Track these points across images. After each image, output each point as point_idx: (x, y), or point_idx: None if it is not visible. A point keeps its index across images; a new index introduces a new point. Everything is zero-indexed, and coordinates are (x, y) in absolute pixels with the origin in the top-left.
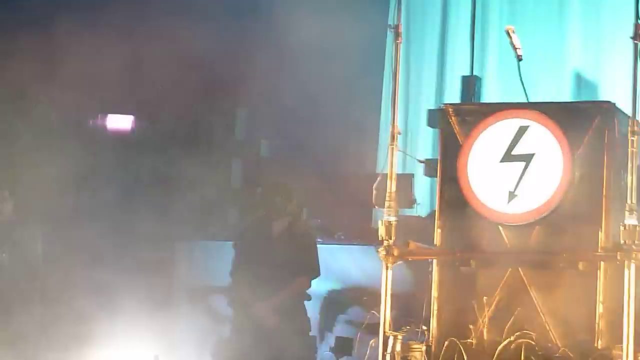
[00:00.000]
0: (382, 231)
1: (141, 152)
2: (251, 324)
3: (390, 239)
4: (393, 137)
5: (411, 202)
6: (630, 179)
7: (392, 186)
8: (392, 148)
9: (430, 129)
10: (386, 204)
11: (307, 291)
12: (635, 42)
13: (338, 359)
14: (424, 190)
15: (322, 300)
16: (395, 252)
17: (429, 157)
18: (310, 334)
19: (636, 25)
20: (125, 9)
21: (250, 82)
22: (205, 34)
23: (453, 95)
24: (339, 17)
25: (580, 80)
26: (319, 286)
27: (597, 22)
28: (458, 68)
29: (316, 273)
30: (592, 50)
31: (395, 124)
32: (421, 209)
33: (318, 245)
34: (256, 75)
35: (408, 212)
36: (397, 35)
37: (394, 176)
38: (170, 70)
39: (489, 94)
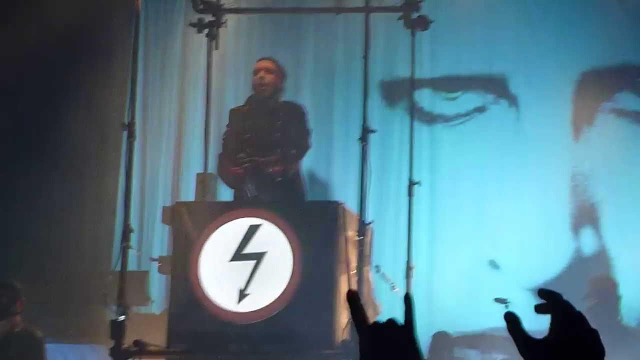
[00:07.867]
0: (111, 330)
1: None
2: None
3: (120, 337)
4: (125, 236)
5: (146, 300)
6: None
7: (123, 284)
8: (124, 247)
9: (166, 227)
10: (117, 302)
11: None
12: (363, 143)
13: None
14: (160, 287)
15: None
16: (125, 352)
17: (165, 254)
18: None
19: (363, 128)
20: None
21: None
22: None
23: (189, 193)
24: (75, 112)
25: (312, 180)
26: None
27: (330, 124)
28: (194, 166)
29: None
30: (324, 150)
31: (127, 222)
32: (156, 306)
33: (48, 345)
34: None
35: (144, 309)
36: (130, 133)
37: (125, 274)
38: None
39: (225, 193)
